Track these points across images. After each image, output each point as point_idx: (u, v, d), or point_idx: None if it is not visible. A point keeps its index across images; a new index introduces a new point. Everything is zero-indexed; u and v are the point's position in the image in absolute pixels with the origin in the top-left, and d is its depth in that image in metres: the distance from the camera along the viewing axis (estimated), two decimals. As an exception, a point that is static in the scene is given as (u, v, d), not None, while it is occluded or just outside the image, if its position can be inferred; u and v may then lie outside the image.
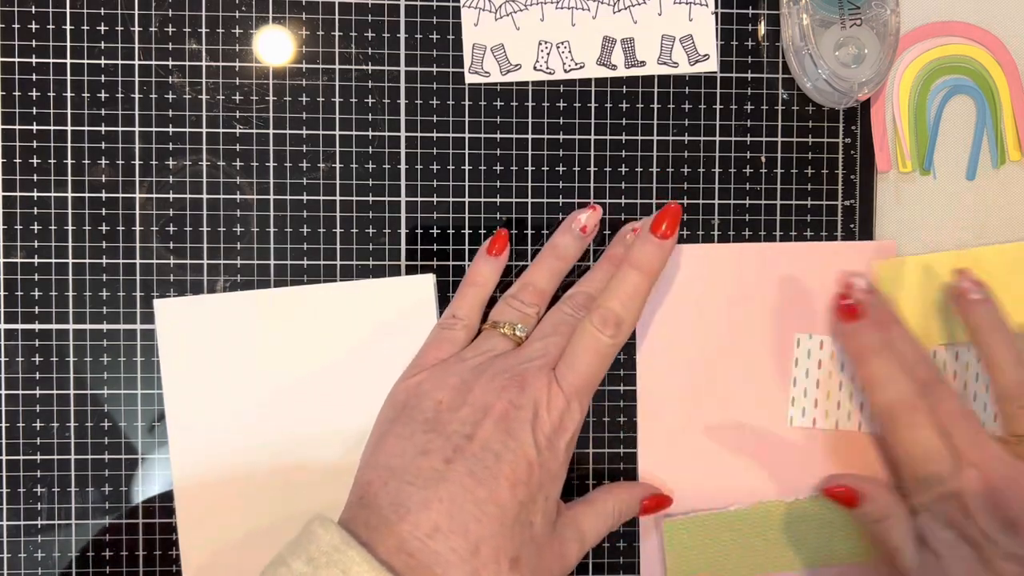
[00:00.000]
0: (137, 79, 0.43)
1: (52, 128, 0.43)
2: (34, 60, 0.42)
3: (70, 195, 0.43)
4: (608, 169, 0.45)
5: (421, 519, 0.33)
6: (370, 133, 0.44)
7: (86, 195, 0.43)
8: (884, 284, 0.45)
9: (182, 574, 0.43)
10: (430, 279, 0.43)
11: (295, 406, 0.42)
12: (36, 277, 0.43)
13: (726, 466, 0.44)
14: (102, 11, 0.43)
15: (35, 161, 0.43)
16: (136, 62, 0.43)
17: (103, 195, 0.43)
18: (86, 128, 0.43)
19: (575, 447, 0.39)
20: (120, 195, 0.43)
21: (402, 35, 0.44)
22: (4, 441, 0.42)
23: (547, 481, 0.35)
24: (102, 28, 0.43)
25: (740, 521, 0.44)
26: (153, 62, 0.43)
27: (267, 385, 0.42)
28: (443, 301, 0.44)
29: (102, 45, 0.43)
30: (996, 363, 0.41)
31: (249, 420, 0.42)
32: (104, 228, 0.43)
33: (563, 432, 0.36)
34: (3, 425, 0.42)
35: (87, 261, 0.43)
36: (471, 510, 0.33)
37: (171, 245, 0.43)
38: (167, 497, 0.43)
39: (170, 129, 0.43)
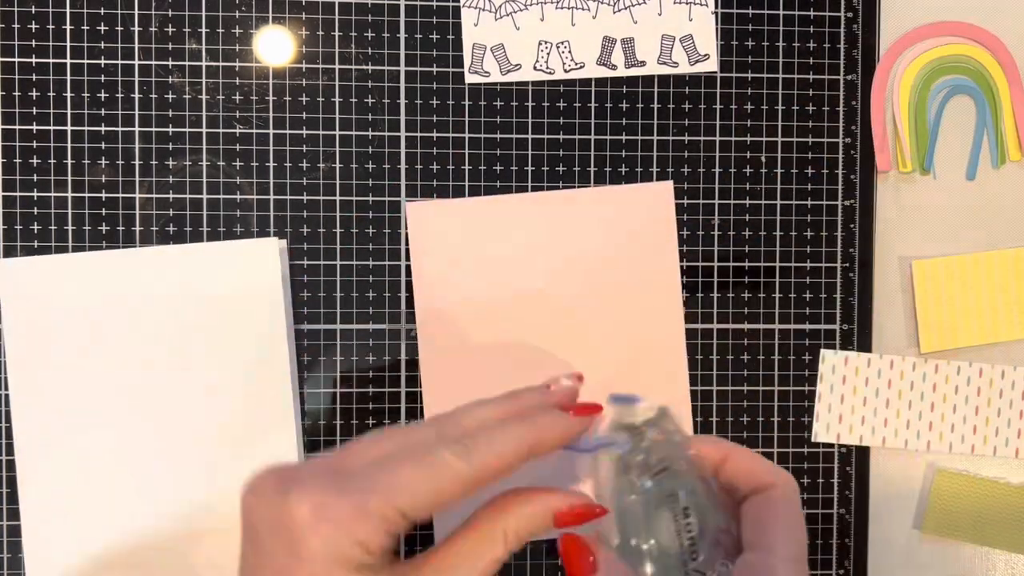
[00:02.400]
0: (137, 79, 0.43)
1: (52, 128, 0.43)
2: (34, 60, 0.42)
3: (70, 195, 0.43)
4: (608, 169, 0.45)
5: None
6: (370, 133, 0.44)
7: (86, 195, 0.43)
8: (919, 283, 0.45)
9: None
10: (274, 243, 0.43)
11: (138, 371, 0.42)
12: (36, 277, 0.43)
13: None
14: (102, 11, 0.43)
15: (35, 161, 0.42)
16: (136, 62, 0.43)
17: (103, 195, 0.43)
18: (86, 128, 0.43)
19: None
20: (120, 195, 0.43)
21: (402, 35, 0.44)
22: (4, 441, 0.42)
23: None
24: (102, 28, 0.43)
25: (1015, 495, 0.45)
26: (153, 62, 0.43)
27: (110, 351, 0.42)
28: (300, 270, 0.43)
29: (102, 45, 0.43)
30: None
31: (90, 383, 0.42)
32: (104, 228, 0.43)
33: None
34: (3, 425, 0.42)
35: (87, 261, 0.43)
36: None
37: (171, 245, 0.43)
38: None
39: (170, 129, 0.43)
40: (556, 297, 0.44)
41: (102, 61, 0.43)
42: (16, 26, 0.42)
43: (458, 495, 0.29)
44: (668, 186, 0.45)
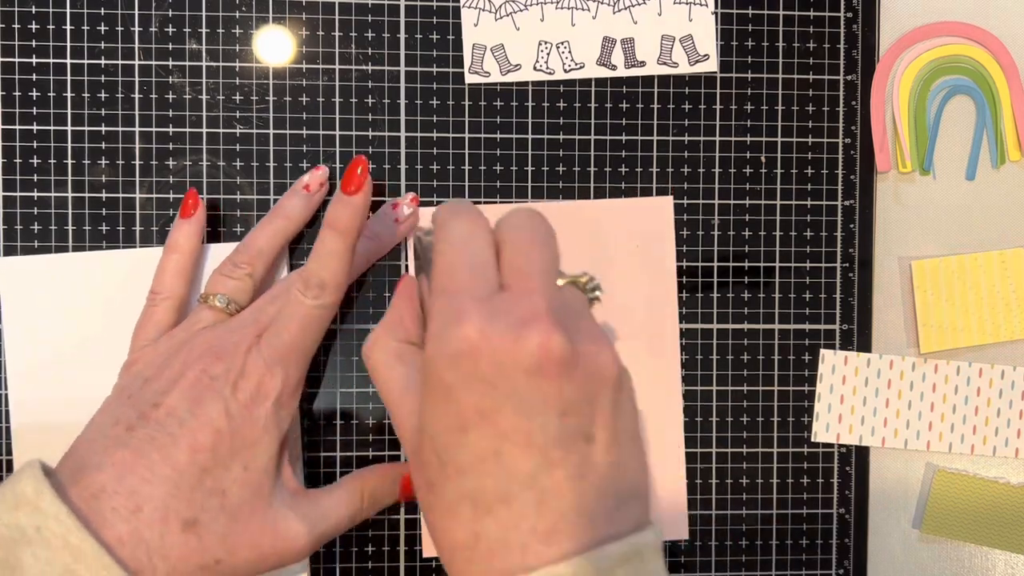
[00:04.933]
0: (137, 79, 0.43)
1: (52, 128, 0.43)
2: (34, 60, 0.42)
3: (70, 195, 0.43)
4: (608, 169, 0.45)
5: (91, 481, 0.34)
6: (370, 133, 0.44)
7: (86, 195, 0.43)
8: (919, 283, 0.45)
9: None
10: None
11: None
12: (36, 277, 0.43)
13: None
14: (102, 11, 0.43)
15: (35, 161, 0.43)
16: (136, 62, 0.43)
17: (103, 195, 0.43)
18: (86, 128, 0.43)
19: (296, 416, 0.41)
20: (120, 195, 0.43)
21: (402, 35, 0.44)
22: (4, 441, 0.42)
23: (242, 449, 0.35)
24: (102, 28, 0.43)
25: (1014, 495, 0.45)
26: (153, 62, 0.43)
27: (111, 351, 0.41)
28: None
29: (102, 45, 0.43)
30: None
31: (90, 383, 0.41)
32: (104, 228, 0.43)
33: (262, 399, 0.36)
34: (3, 425, 0.42)
35: (87, 261, 0.43)
36: (141, 473, 0.34)
37: (171, 245, 0.43)
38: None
39: (170, 129, 0.43)
40: None
41: (102, 61, 0.43)
42: (16, 26, 0.42)
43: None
44: (667, 201, 0.44)
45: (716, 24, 0.45)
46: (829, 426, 0.45)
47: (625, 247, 0.44)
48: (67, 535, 0.32)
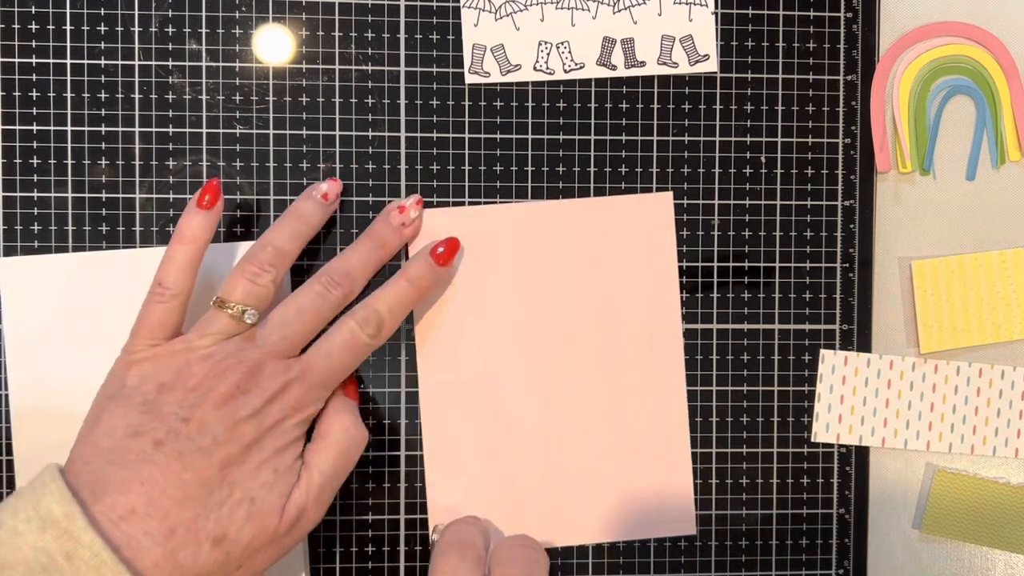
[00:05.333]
0: (137, 79, 0.43)
1: (52, 128, 0.43)
2: (34, 60, 0.42)
3: (70, 195, 0.43)
4: (608, 169, 0.45)
5: (117, 501, 0.32)
6: (370, 133, 0.44)
7: (86, 195, 0.43)
8: (919, 283, 0.45)
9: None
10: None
11: None
12: (36, 277, 0.43)
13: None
14: (102, 11, 0.43)
15: (35, 161, 0.43)
16: (136, 62, 0.43)
17: (103, 195, 0.43)
18: (86, 128, 0.43)
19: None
20: (120, 195, 0.43)
21: (402, 35, 0.44)
22: (4, 441, 0.42)
23: (272, 457, 0.36)
24: (102, 28, 0.43)
25: (1014, 495, 0.45)
26: (153, 62, 0.43)
27: (110, 351, 0.40)
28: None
29: (102, 45, 0.43)
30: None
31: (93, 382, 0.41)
32: (104, 228, 0.43)
33: (295, 415, 0.37)
34: (3, 425, 0.42)
35: (87, 261, 0.43)
36: (172, 493, 0.33)
37: (171, 245, 0.43)
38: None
39: (170, 129, 0.43)
40: (551, 312, 0.44)
41: (102, 61, 0.43)
42: (16, 26, 0.42)
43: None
44: (667, 197, 0.44)
45: (716, 24, 0.45)
46: (829, 426, 0.45)
47: (626, 245, 0.44)
48: (100, 567, 0.30)
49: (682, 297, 0.45)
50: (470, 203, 0.44)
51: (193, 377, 0.35)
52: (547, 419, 0.44)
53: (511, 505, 0.44)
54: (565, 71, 0.44)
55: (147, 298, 0.38)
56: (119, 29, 0.43)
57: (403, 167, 0.44)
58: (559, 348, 0.44)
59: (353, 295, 0.40)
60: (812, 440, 0.46)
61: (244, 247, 0.42)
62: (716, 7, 0.45)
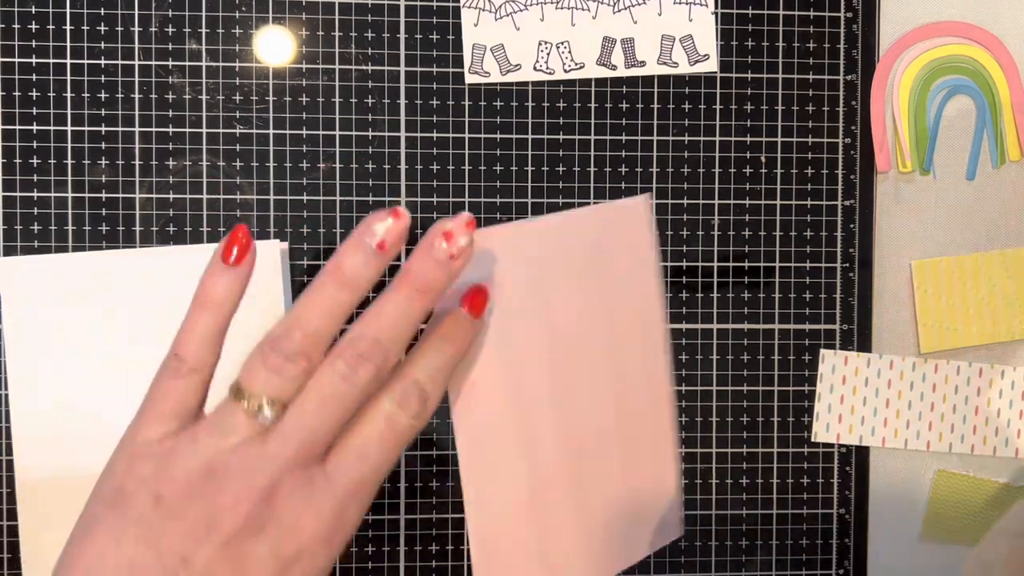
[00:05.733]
0: (137, 79, 0.43)
1: (52, 128, 0.43)
2: (34, 60, 0.42)
3: (70, 195, 0.43)
4: (608, 169, 0.45)
5: None
6: (370, 133, 0.44)
7: (86, 195, 0.43)
8: (919, 283, 0.45)
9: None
10: (275, 245, 0.43)
11: (137, 372, 0.40)
12: (36, 277, 0.43)
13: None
14: (102, 11, 0.43)
15: (35, 161, 0.43)
16: (136, 62, 0.43)
17: (103, 195, 0.43)
18: (86, 128, 0.43)
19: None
20: (120, 195, 0.43)
21: (402, 35, 0.44)
22: (4, 441, 0.42)
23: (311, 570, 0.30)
24: (102, 28, 0.43)
25: (1015, 495, 0.45)
26: (153, 62, 0.43)
27: (110, 351, 0.40)
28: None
29: (102, 45, 0.43)
30: None
31: (92, 383, 0.41)
32: (104, 228, 0.43)
33: (334, 540, 0.31)
34: (3, 425, 0.42)
35: (87, 261, 0.43)
36: None
37: (171, 245, 0.43)
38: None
39: (170, 129, 0.43)
40: (550, 334, 0.39)
41: (102, 61, 0.43)
42: (16, 26, 0.42)
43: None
44: (642, 202, 0.40)
45: (716, 24, 0.45)
46: (829, 426, 0.45)
47: (601, 256, 0.40)
48: None
49: (682, 297, 0.45)
50: (470, 202, 0.44)
51: (196, 503, 0.30)
52: (570, 455, 0.38)
53: (544, 540, 0.39)
54: (565, 71, 0.44)
55: (160, 370, 0.31)
56: (119, 29, 0.43)
57: (403, 167, 0.44)
58: (569, 369, 0.40)
59: (388, 367, 0.31)
60: (812, 440, 0.46)
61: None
62: (716, 7, 0.45)
